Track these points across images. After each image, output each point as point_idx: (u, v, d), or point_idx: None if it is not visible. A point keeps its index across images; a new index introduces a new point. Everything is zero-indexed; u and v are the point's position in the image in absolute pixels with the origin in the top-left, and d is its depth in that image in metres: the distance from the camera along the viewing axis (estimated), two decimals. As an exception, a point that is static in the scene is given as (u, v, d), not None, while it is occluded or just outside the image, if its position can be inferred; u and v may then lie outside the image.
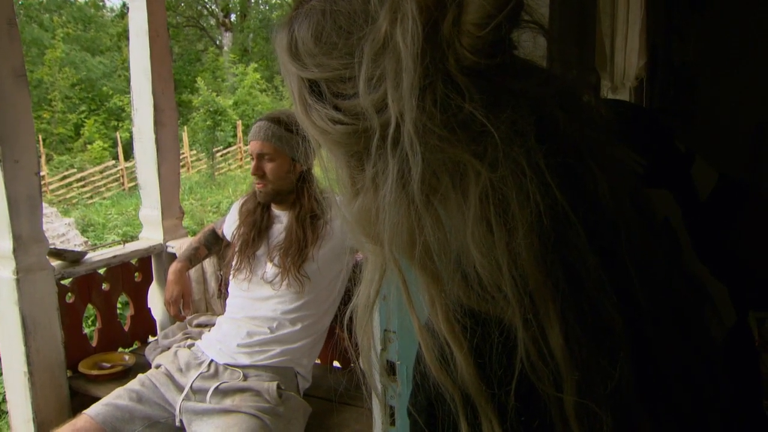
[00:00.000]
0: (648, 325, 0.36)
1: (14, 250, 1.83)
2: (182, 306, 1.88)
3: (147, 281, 2.34)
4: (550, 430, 0.35)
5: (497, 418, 0.36)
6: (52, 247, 2.03)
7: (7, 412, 3.42)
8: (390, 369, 0.85)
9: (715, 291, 0.47)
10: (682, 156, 0.54)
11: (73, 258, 2.10)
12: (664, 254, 0.39)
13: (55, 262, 2.02)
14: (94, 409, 1.55)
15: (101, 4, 22.27)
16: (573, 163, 0.37)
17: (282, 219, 1.78)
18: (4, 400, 3.51)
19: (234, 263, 1.77)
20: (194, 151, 14.74)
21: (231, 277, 1.80)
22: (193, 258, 1.97)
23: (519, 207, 0.35)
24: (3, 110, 1.78)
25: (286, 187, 1.71)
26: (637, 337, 0.36)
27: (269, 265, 1.72)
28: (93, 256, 2.19)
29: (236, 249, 1.78)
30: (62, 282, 2.04)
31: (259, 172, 1.69)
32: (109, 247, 2.37)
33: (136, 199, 11.30)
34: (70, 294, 2.07)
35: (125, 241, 2.39)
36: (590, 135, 0.39)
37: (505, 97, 0.37)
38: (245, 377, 1.62)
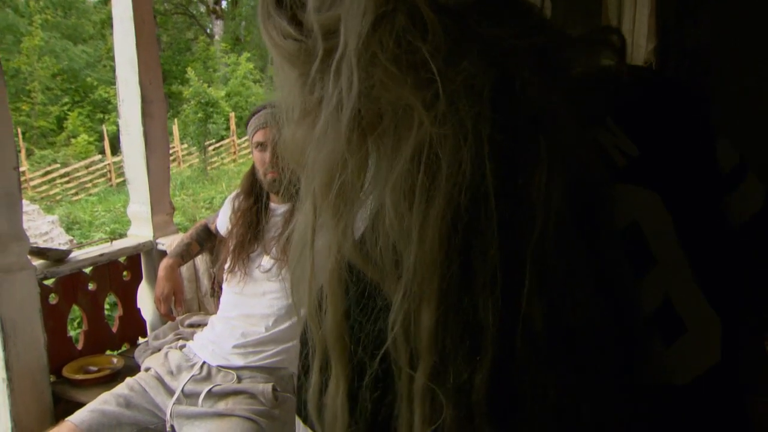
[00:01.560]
0: (531, 344, 0.33)
1: (-7, 249, 1.82)
2: (173, 304, 1.88)
3: (136, 280, 2.34)
4: (393, 407, 0.35)
5: (346, 379, 0.36)
6: (34, 245, 2.02)
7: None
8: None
9: (697, 323, 0.41)
10: (711, 161, 0.47)
11: (56, 257, 2.09)
12: (590, 267, 0.34)
13: (38, 262, 2.02)
14: (78, 416, 1.55)
15: (84, -11, 22.20)
16: (519, 144, 0.34)
17: (278, 212, 1.78)
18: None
19: (228, 265, 1.77)
20: (185, 145, 14.73)
21: (225, 280, 1.80)
22: (185, 254, 1.97)
23: (447, 175, 0.32)
24: (-21, 101, 1.77)
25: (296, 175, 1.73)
26: (513, 351, 0.33)
27: (265, 258, 1.72)
28: (78, 254, 2.18)
29: (230, 250, 1.78)
30: (45, 282, 2.03)
31: (276, 160, 1.70)
32: (96, 245, 2.36)
33: (125, 196, 11.29)
34: (53, 295, 2.07)
35: (113, 239, 2.39)
36: (558, 109, 0.35)
37: (470, 45, 0.34)
38: (239, 379, 1.61)
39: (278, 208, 1.79)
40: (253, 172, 1.83)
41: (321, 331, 0.37)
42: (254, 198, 1.80)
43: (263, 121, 1.71)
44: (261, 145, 1.73)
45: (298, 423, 0.42)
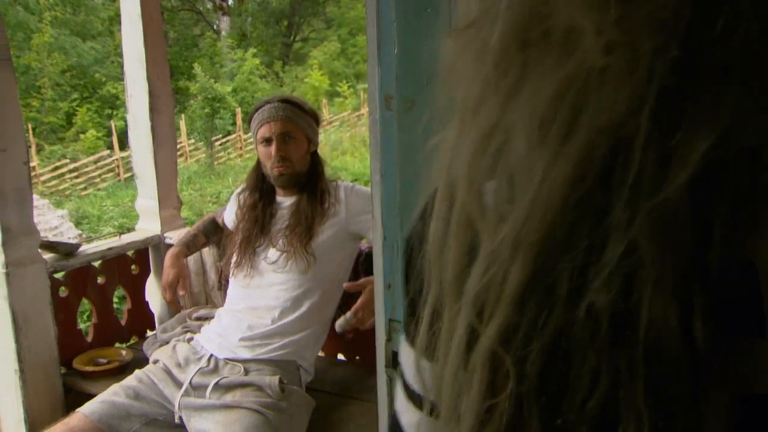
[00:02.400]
0: (592, 322, 0.28)
1: (3, 243, 1.82)
2: (179, 291, 1.89)
3: (144, 274, 2.35)
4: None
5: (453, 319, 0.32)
6: (44, 239, 2.03)
7: None
8: (395, 360, 0.85)
9: None
10: None
11: (66, 250, 2.10)
12: (682, 307, 0.28)
13: (48, 255, 2.02)
14: (89, 407, 1.56)
15: (92, -14, 22.20)
16: (696, 101, 0.27)
17: (285, 205, 1.78)
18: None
19: (234, 260, 1.78)
20: (192, 140, 14.76)
21: (231, 274, 1.80)
22: (191, 244, 1.98)
23: (595, 110, 0.27)
24: (-11, 96, 1.77)
25: (305, 168, 1.75)
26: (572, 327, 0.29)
27: (272, 250, 1.72)
28: (87, 248, 2.19)
29: (237, 245, 1.78)
30: (55, 275, 2.04)
31: (283, 153, 1.70)
32: (105, 238, 2.37)
33: (133, 190, 11.31)
34: (63, 288, 2.08)
35: (121, 233, 2.40)
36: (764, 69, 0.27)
37: None
38: (246, 372, 1.62)
39: (284, 201, 1.79)
40: (258, 167, 1.83)
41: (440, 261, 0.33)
42: (259, 193, 1.80)
43: (268, 116, 1.71)
44: (266, 140, 1.72)
45: (404, 347, 0.39)
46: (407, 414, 0.39)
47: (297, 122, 1.72)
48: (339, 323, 1.61)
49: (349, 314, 1.60)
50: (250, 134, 2.02)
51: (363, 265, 1.89)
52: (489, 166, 0.31)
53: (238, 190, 1.91)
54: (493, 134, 0.31)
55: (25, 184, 1.88)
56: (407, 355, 0.39)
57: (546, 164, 0.28)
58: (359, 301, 1.59)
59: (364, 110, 17.63)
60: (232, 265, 1.79)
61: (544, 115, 0.29)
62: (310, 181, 1.76)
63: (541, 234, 0.29)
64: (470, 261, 0.31)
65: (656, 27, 0.27)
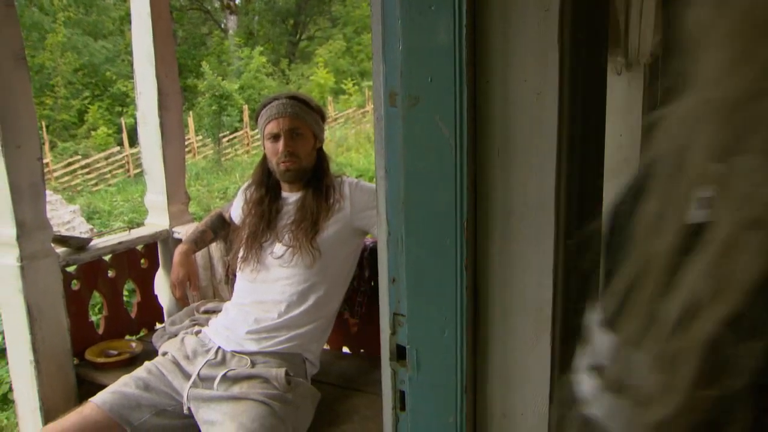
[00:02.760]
0: None
1: (18, 237, 1.84)
2: (188, 288, 1.90)
3: (153, 267, 2.36)
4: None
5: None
6: (57, 234, 2.04)
7: (13, 401, 3.49)
8: (399, 353, 0.85)
9: None
10: None
11: (78, 244, 2.11)
12: None
13: (60, 249, 2.03)
14: (100, 397, 1.57)
15: (103, -14, 22.22)
16: None
17: (290, 200, 1.78)
18: (10, 389, 3.57)
19: (241, 255, 1.78)
20: (200, 137, 14.78)
21: (238, 269, 1.81)
22: (200, 241, 1.98)
23: None
24: (3, 94, 1.78)
25: (311, 164, 1.75)
26: None
27: (278, 245, 1.72)
28: (98, 242, 2.20)
29: (243, 240, 1.78)
30: (67, 269, 2.05)
31: (290, 149, 1.69)
32: (114, 233, 2.38)
33: (142, 186, 11.33)
34: (75, 281, 2.09)
35: (131, 228, 2.40)
36: None
37: None
38: (253, 364, 1.62)
39: (290, 196, 1.79)
40: (263, 163, 1.83)
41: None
42: (265, 188, 1.80)
43: (275, 112, 1.71)
44: (274, 136, 1.72)
45: (599, 334, 0.35)
46: (601, 402, 0.35)
47: (304, 119, 1.72)
48: None
49: None
50: (256, 131, 2.02)
51: (368, 259, 1.89)
52: (736, 139, 0.26)
53: (245, 185, 1.91)
54: (746, 104, 0.26)
55: (38, 180, 1.89)
56: (604, 341, 0.35)
57: None
58: None
59: (369, 107, 17.59)
60: (239, 259, 1.79)
61: None
62: (316, 176, 1.76)
63: None
64: (690, 242, 0.27)
65: None
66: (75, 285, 2.09)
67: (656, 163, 0.32)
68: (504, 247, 0.78)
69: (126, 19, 19.88)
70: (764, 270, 0.25)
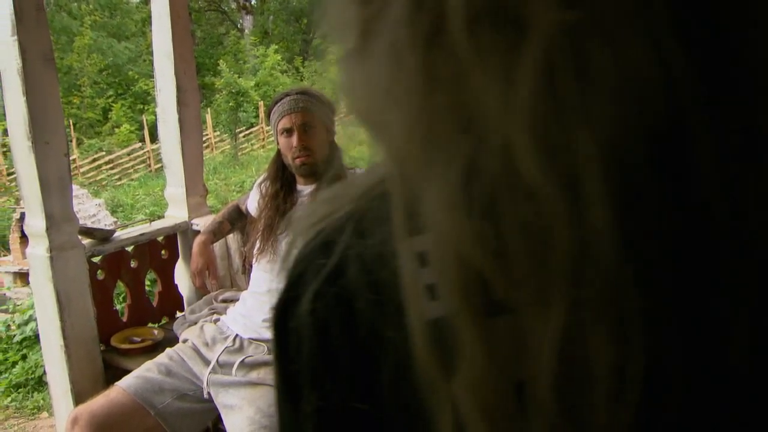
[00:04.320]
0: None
1: (47, 229, 1.86)
2: (207, 277, 1.91)
3: (173, 258, 2.37)
4: None
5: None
6: (83, 225, 2.07)
7: (47, 383, 3.56)
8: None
9: None
10: None
11: (102, 236, 2.13)
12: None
13: (86, 241, 2.06)
14: (125, 382, 1.59)
15: (125, -10, 22.38)
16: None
17: (305, 193, 1.78)
18: (44, 372, 3.65)
19: (257, 247, 1.78)
20: (218, 132, 14.86)
21: (254, 261, 1.81)
22: (217, 232, 1.99)
23: (600, 73, 0.18)
24: (33, 93, 1.80)
25: (324, 157, 1.74)
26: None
27: None
28: (121, 234, 2.22)
29: (259, 233, 1.78)
30: (93, 259, 2.08)
31: (304, 143, 1.69)
32: (136, 225, 2.40)
33: (163, 180, 11.42)
34: (100, 271, 2.12)
35: (151, 220, 2.43)
36: None
37: None
38: (270, 351, 1.63)
39: (304, 189, 1.79)
40: (278, 158, 1.82)
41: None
42: (280, 183, 1.80)
43: (287, 108, 1.70)
44: (287, 131, 1.71)
45: None
46: None
47: (316, 113, 1.72)
48: None
49: None
50: (270, 126, 2.02)
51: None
52: (482, 206, 0.20)
53: (260, 179, 1.92)
54: (475, 163, 0.20)
55: (65, 174, 1.91)
56: None
57: (582, 175, 0.18)
58: None
59: (381, 104, 17.53)
60: (255, 251, 1.80)
61: (542, 110, 0.19)
62: (330, 169, 1.76)
63: (615, 288, 0.19)
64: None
65: None
66: (100, 275, 2.11)
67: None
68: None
69: (148, 21, 19.97)
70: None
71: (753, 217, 0.18)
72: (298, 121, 1.69)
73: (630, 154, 0.18)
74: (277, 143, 1.79)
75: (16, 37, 1.77)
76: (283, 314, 0.27)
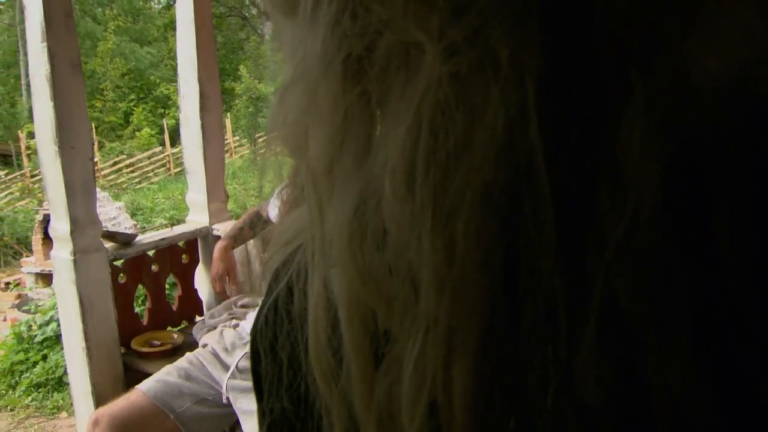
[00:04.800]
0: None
1: (71, 232, 1.90)
2: (228, 282, 1.93)
3: (194, 263, 2.41)
4: None
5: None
6: (105, 230, 2.11)
7: (67, 384, 3.62)
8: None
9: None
10: None
11: (124, 240, 2.17)
12: (693, 309, 0.19)
13: (108, 244, 2.10)
14: (146, 385, 1.62)
15: (149, -5, 22.87)
16: (591, 81, 0.19)
17: None
18: (64, 373, 3.72)
19: None
20: (237, 137, 15.04)
21: None
22: (238, 237, 2.02)
23: (464, 136, 0.20)
24: (61, 98, 1.85)
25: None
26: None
27: None
28: (143, 238, 2.26)
29: None
30: (115, 263, 2.12)
31: None
32: (157, 230, 2.44)
33: (182, 184, 11.62)
34: (122, 274, 2.15)
35: (173, 224, 2.46)
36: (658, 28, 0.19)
37: None
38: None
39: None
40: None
41: (338, 392, 0.24)
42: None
43: None
44: None
45: None
46: None
47: None
48: None
49: None
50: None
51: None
52: (371, 242, 0.22)
53: (281, 186, 1.92)
54: (364, 203, 0.22)
55: (90, 179, 1.95)
56: None
57: (424, 226, 0.20)
58: None
59: (399, 110, 17.59)
60: None
61: (404, 164, 0.20)
62: None
63: (472, 320, 0.20)
64: (382, 371, 0.22)
65: (506, 9, 0.19)
66: (122, 278, 2.15)
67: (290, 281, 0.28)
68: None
69: (170, 26, 20.40)
70: (472, 389, 0.21)
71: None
72: None
73: (480, 206, 0.20)
74: None
75: (45, 44, 1.82)
76: (256, 316, 0.32)
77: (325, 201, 0.24)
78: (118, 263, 2.15)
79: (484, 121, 0.19)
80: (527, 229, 0.19)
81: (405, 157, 0.20)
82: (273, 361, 0.29)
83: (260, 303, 0.31)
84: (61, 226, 1.92)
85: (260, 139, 14.69)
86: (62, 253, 1.93)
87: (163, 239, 2.27)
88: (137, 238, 2.23)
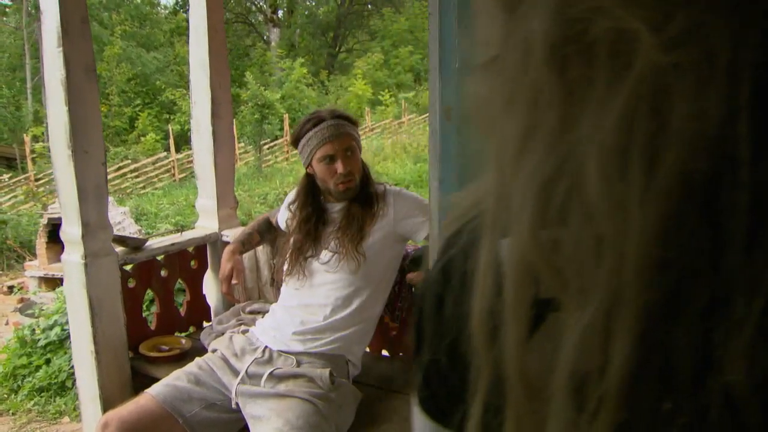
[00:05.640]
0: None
1: (83, 236, 1.93)
2: (237, 286, 1.94)
3: (203, 269, 2.43)
4: None
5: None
6: (116, 234, 2.14)
7: (70, 388, 3.64)
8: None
9: None
10: None
11: (135, 245, 2.20)
12: None
13: (119, 249, 2.12)
14: (155, 389, 1.63)
15: (156, 1, 23.10)
16: None
17: (335, 209, 1.80)
18: (68, 377, 3.73)
19: (286, 268, 1.80)
20: (242, 144, 15.11)
21: (284, 281, 1.83)
22: (247, 242, 2.03)
23: (678, 126, 0.21)
24: (75, 103, 1.88)
25: (361, 178, 1.76)
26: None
27: (324, 251, 1.75)
28: (152, 243, 2.28)
29: (288, 255, 1.80)
30: (124, 267, 2.14)
31: (349, 168, 1.70)
32: (163, 235, 2.46)
33: (187, 190, 11.68)
34: (131, 279, 2.17)
35: (182, 230, 2.49)
36: None
37: None
38: (298, 363, 1.66)
39: (334, 206, 1.81)
40: (308, 183, 1.80)
41: (493, 353, 0.26)
42: (312, 207, 1.79)
43: (329, 135, 1.69)
44: (330, 158, 1.69)
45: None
46: None
47: (354, 135, 1.74)
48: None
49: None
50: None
51: (409, 266, 1.91)
52: (555, 216, 0.24)
53: (290, 198, 1.92)
54: (554, 180, 0.24)
55: (102, 183, 1.98)
56: (420, 421, 0.34)
57: (632, 204, 0.21)
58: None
59: (405, 119, 17.63)
60: (284, 272, 1.82)
61: (616, 145, 0.22)
62: (360, 186, 1.78)
63: (641, 299, 0.21)
64: (537, 338, 0.24)
65: (726, 5, 0.21)
66: (131, 283, 2.17)
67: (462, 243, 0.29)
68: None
69: (176, 31, 20.59)
70: (632, 366, 0.22)
71: None
72: (342, 147, 1.69)
73: (680, 189, 0.22)
74: (309, 168, 1.77)
75: (61, 49, 1.86)
76: (425, 278, 0.35)
77: (512, 177, 0.25)
78: (128, 267, 2.17)
79: (696, 111, 0.21)
80: (721, 216, 0.21)
81: (616, 141, 0.22)
82: (436, 317, 0.31)
83: (432, 265, 0.34)
84: (72, 230, 1.95)
85: (265, 147, 14.79)
86: (73, 256, 1.96)
87: (173, 244, 2.30)
88: (147, 243, 2.25)
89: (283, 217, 1.96)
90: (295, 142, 1.79)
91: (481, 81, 0.28)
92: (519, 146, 0.25)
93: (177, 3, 23.16)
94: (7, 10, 20.03)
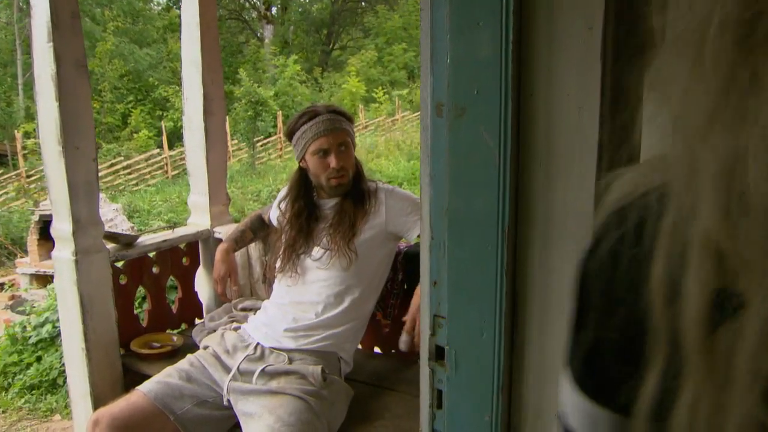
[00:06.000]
0: None
1: (73, 233, 1.92)
2: (229, 284, 1.94)
3: (194, 265, 2.42)
4: None
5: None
6: (107, 231, 2.12)
7: (61, 386, 3.61)
8: (438, 354, 0.87)
9: None
10: None
11: (126, 241, 2.18)
12: None
13: (110, 245, 2.11)
14: (146, 386, 1.62)
15: (148, -3, 22.94)
16: None
17: (328, 206, 1.80)
18: (59, 374, 3.71)
19: (278, 265, 1.80)
20: (235, 141, 15.06)
21: (276, 279, 1.83)
22: (240, 240, 2.03)
23: None
24: (65, 99, 1.87)
25: (354, 173, 1.75)
26: None
27: (316, 248, 1.75)
28: (144, 240, 2.27)
29: (281, 252, 1.79)
30: (116, 264, 2.13)
31: (342, 164, 1.70)
32: (155, 232, 2.45)
33: (179, 187, 11.62)
34: (123, 276, 2.16)
35: (174, 227, 2.48)
36: None
37: None
38: (290, 360, 1.66)
39: (327, 202, 1.81)
40: (300, 178, 1.80)
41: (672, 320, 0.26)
42: (303, 201, 1.79)
43: (323, 129, 1.69)
44: (323, 152, 1.69)
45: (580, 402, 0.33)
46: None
47: (348, 131, 1.74)
48: (403, 341, 1.63)
49: (405, 335, 1.62)
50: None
51: (401, 264, 1.91)
52: (740, 197, 0.23)
53: (281, 195, 1.92)
54: (737, 160, 0.24)
55: (93, 179, 1.97)
56: (572, 398, 0.34)
57: None
58: (415, 325, 1.60)
59: (399, 116, 17.63)
60: (276, 269, 1.81)
61: None
62: (353, 182, 1.78)
63: None
64: (721, 316, 0.24)
65: None
66: (122, 279, 2.16)
67: (640, 219, 0.29)
68: (544, 253, 0.79)
69: (169, 28, 20.45)
70: None
71: None
72: (336, 142, 1.69)
73: None
74: (302, 161, 1.77)
75: (51, 44, 1.84)
76: (585, 258, 0.34)
77: (698, 155, 0.25)
78: (119, 264, 2.16)
79: None
80: None
81: None
82: (605, 295, 0.31)
83: (593, 237, 0.33)
84: (63, 226, 1.94)
85: (258, 144, 14.74)
86: (64, 253, 1.94)
87: (164, 241, 2.28)
88: (139, 240, 2.24)
89: (275, 214, 1.95)
90: (289, 135, 1.78)
91: (670, 54, 0.27)
92: (706, 124, 0.25)
93: (170, -1, 23.05)
94: (-2, 5, 19.84)
